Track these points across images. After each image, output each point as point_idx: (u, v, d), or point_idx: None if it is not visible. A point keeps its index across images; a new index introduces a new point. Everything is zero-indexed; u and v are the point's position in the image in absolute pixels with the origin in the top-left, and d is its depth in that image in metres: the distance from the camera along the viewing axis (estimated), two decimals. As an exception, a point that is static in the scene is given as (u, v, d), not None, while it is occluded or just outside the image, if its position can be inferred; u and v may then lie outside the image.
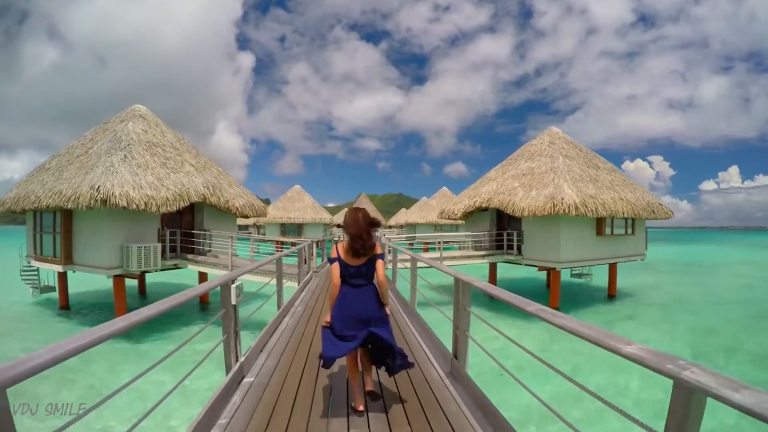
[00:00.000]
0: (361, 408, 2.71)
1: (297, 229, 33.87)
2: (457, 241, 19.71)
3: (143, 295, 15.82)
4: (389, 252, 11.57)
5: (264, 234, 35.08)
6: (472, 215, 15.77)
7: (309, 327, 5.37)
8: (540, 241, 13.12)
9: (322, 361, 2.65)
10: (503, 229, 15.22)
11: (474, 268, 14.95)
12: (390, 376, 2.94)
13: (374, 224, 2.74)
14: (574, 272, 16.15)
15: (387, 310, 2.82)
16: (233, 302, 3.00)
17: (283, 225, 33.84)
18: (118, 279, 11.13)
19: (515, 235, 13.60)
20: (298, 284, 8.42)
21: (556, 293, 13.59)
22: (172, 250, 11.62)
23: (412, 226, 39.99)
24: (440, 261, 12.77)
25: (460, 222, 35.83)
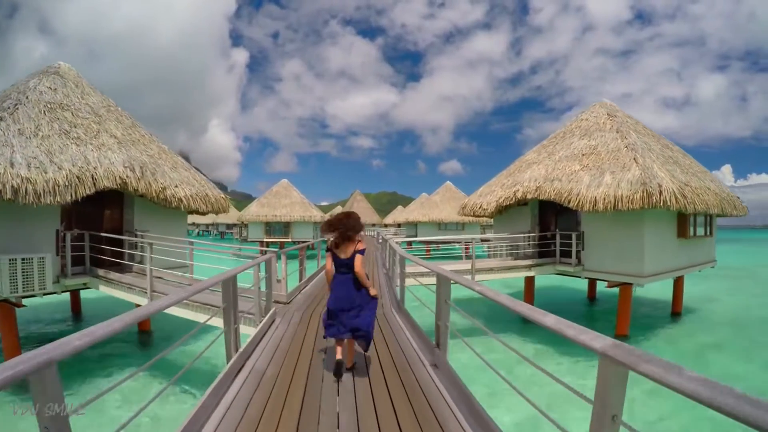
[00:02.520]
0: (339, 357, 3.53)
1: (284, 228, 29.93)
2: (468, 245, 16.08)
3: (77, 315, 12.07)
4: (390, 261, 7.82)
5: (246, 235, 31.04)
6: (505, 211, 11.99)
7: None
8: (611, 245, 9.41)
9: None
10: (547, 228, 11.56)
11: (495, 282, 11.28)
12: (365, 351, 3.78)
13: (348, 227, 3.55)
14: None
15: (372, 291, 3.63)
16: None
17: (268, 224, 29.88)
18: (4, 305, 7.35)
19: (573, 237, 9.86)
20: (235, 349, 3.77)
21: (626, 316, 9.95)
22: (80, 262, 7.68)
23: (412, 225, 35.89)
24: (472, 274, 9.06)
25: (468, 220, 31.97)
